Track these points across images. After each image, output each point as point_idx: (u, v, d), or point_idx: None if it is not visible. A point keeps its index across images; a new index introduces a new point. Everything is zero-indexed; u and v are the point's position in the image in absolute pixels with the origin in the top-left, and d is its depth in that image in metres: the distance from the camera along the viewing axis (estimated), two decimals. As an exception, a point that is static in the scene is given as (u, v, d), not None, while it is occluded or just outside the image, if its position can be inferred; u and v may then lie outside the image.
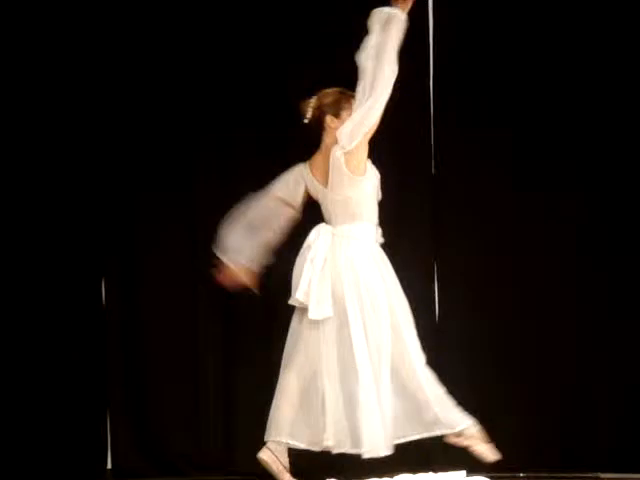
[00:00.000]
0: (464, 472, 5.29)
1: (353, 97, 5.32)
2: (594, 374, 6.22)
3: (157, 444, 6.39)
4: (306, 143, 5.67)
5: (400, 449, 5.37)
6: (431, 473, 5.25)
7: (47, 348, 6.33)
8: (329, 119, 5.28)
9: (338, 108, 5.30)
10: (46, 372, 6.26)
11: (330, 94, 5.38)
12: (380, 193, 5.45)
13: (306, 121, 5.39)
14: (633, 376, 6.18)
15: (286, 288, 5.58)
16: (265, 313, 6.24)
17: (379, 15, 5.19)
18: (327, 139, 5.35)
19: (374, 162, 5.51)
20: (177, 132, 6.46)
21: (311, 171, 5.39)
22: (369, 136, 5.25)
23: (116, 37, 6.48)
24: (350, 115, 5.28)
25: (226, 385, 6.43)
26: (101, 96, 6.40)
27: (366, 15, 5.49)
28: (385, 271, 5.34)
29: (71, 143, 6.48)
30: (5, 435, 6.18)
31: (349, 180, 5.23)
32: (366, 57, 5.20)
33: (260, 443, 5.53)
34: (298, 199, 5.42)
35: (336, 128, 5.25)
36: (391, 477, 5.17)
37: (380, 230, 5.47)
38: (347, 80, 5.39)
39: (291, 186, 5.45)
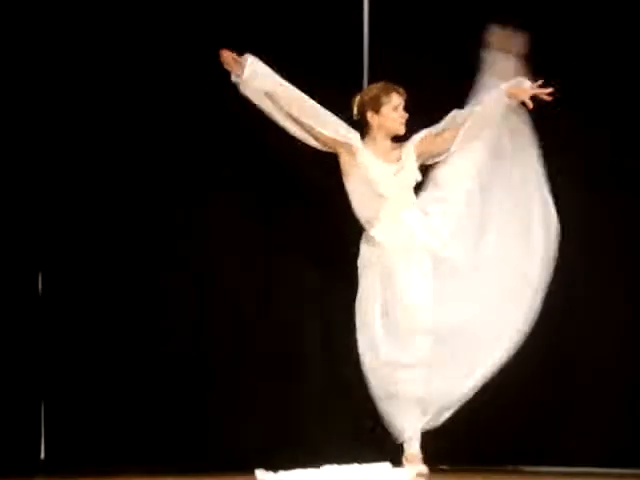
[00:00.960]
0: (388, 464, 5.30)
1: (396, 90, 5.47)
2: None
3: (91, 436, 6.39)
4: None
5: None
6: (356, 464, 5.26)
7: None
8: (370, 115, 5.40)
9: (378, 104, 5.40)
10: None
11: (371, 89, 5.53)
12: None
13: (355, 118, 5.49)
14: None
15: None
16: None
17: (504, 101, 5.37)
18: (371, 133, 5.47)
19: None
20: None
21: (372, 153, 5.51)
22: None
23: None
24: (393, 109, 5.44)
25: (156, 377, 6.39)
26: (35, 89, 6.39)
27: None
28: None
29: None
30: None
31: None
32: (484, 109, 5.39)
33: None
34: (329, 144, 5.49)
35: (378, 124, 5.40)
36: (317, 467, 5.24)
37: None
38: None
39: (339, 133, 5.46)
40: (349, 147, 5.43)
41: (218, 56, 5.69)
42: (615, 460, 6.20)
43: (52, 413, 6.38)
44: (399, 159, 5.51)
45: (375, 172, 5.48)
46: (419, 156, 5.52)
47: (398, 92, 5.51)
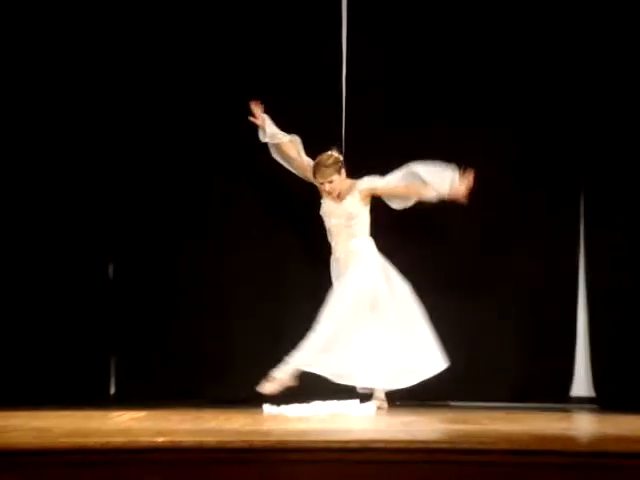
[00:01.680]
0: (357, 400, 5.95)
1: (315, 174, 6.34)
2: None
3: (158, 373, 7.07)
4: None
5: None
6: (334, 401, 5.84)
7: (67, 299, 7.01)
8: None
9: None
10: (63, 313, 7.00)
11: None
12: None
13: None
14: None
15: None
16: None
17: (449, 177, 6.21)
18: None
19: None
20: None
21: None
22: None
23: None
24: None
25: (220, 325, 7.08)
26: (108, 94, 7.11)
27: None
28: None
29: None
30: (22, 362, 6.91)
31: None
32: (426, 173, 6.26)
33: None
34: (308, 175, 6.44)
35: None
36: (307, 403, 5.80)
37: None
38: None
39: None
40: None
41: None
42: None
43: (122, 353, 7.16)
44: (344, 199, 6.39)
45: (323, 208, 6.42)
46: (366, 197, 6.37)
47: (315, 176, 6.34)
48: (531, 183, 7.13)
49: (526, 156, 7.15)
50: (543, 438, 3.86)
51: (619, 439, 4.05)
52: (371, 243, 6.43)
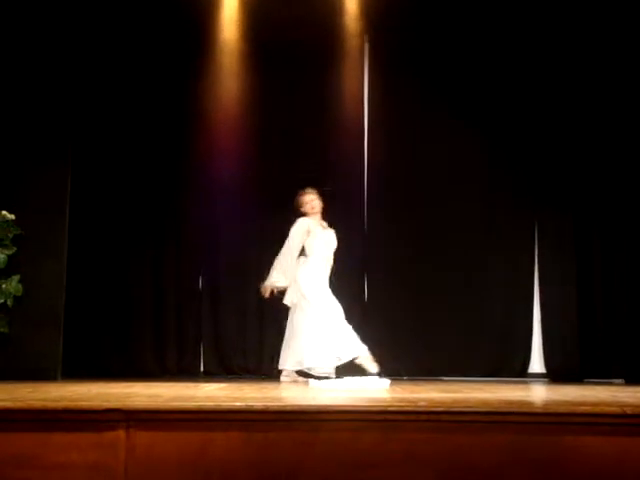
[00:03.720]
0: (378, 376, 5.76)
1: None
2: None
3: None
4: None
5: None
6: (359, 377, 5.63)
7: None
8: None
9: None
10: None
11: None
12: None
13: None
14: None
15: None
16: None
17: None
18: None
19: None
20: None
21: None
22: None
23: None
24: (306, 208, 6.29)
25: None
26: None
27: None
28: None
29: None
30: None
31: None
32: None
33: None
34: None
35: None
36: (341, 378, 5.63)
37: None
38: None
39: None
40: None
41: None
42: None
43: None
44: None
45: (321, 238, 6.33)
46: None
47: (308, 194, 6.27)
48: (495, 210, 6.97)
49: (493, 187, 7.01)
50: (508, 402, 3.88)
51: (563, 403, 4.06)
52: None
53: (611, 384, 6.43)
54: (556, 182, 6.93)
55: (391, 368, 6.50)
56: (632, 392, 4.99)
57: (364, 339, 6.22)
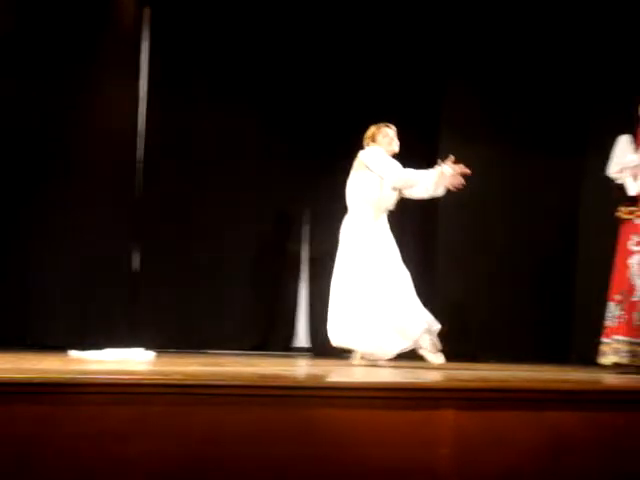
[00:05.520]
0: (142, 349, 5.53)
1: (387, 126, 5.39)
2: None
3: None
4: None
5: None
6: (120, 348, 5.42)
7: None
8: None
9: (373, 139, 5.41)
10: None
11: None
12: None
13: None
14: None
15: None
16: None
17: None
18: None
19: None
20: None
21: None
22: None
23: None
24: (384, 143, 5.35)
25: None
26: None
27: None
28: None
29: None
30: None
31: None
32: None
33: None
34: None
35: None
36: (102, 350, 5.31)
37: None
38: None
39: None
40: None
41: None
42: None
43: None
44: None
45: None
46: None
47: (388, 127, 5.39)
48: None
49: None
50: (262, 375, 3.96)
51: (312, 376, 4.25)
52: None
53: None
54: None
55: (157, 341, 6.36)
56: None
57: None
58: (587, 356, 6.10)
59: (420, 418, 3.52)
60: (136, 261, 6.71)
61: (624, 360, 5.32)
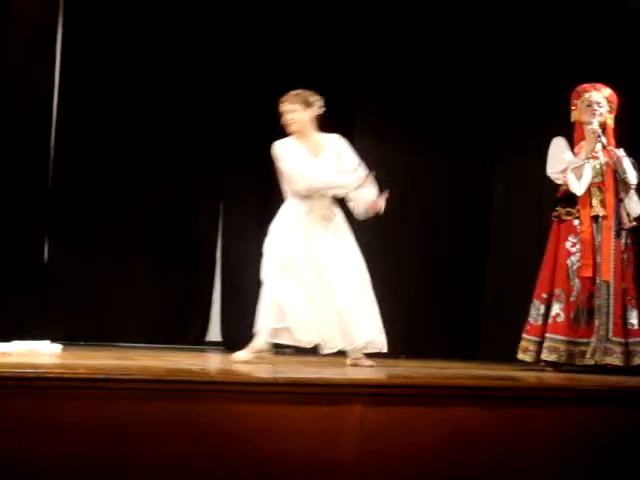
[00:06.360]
0: (48, 341, 5.46)
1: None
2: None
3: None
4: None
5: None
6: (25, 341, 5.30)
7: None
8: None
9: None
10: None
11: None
12: None
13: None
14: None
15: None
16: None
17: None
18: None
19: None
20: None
21: None
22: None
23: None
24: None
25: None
26: None
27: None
28: None
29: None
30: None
31: None
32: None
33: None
34: None
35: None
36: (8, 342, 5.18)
37: None
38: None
39: None
40: None
41: None
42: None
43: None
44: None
45: None
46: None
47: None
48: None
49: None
50: (170, 370, 3.98)
51: (221, 371, 4.25)
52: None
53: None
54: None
55: (67, 332, 6.33)
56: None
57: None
58: (494, 353, 6.24)
59: (328, 413, 3.58)
60: (44, 252, 6.64)
61: (561, 359, 5.42)
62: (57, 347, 5.42)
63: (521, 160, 6.66)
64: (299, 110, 4.76)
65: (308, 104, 4.76)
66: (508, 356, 5.80)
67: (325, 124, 5.12)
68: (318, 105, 4.82)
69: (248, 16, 6.82)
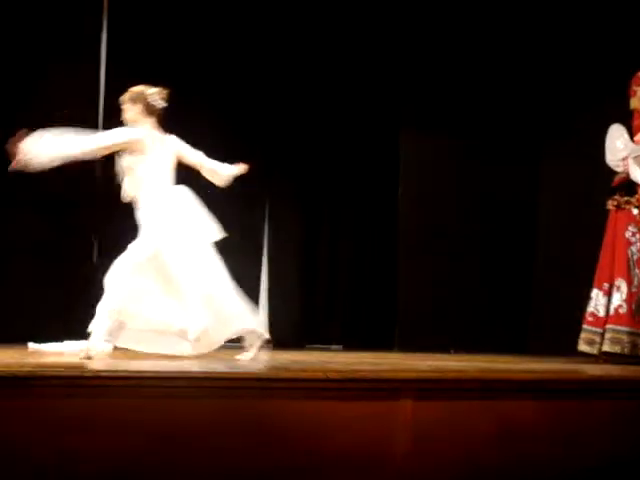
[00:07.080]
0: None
1: None
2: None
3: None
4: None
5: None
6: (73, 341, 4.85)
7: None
8: None
9: None
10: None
11: None
12: None
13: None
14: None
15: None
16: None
17: None
18: None
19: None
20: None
21: None
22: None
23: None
24: None
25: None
26: None
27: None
28: None
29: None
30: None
31: None
32: None
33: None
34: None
35: None
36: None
37: None
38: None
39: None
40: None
41: None
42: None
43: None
44: None
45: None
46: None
47: None
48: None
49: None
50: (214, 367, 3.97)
51: (271, 368, 4.26)
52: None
53: (329, 350, 6.70)
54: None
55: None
56: (344, 358, 5.22)
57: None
58: (543, 346, 6.20)
59: (379, 409, 3.56)
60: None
61: (625, 350, 5.33)
62: (108, 346, 5.21)
63: (565, 159, 6.82)
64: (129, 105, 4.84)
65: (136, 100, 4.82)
66: (558, 349, 5.80)
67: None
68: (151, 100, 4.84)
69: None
